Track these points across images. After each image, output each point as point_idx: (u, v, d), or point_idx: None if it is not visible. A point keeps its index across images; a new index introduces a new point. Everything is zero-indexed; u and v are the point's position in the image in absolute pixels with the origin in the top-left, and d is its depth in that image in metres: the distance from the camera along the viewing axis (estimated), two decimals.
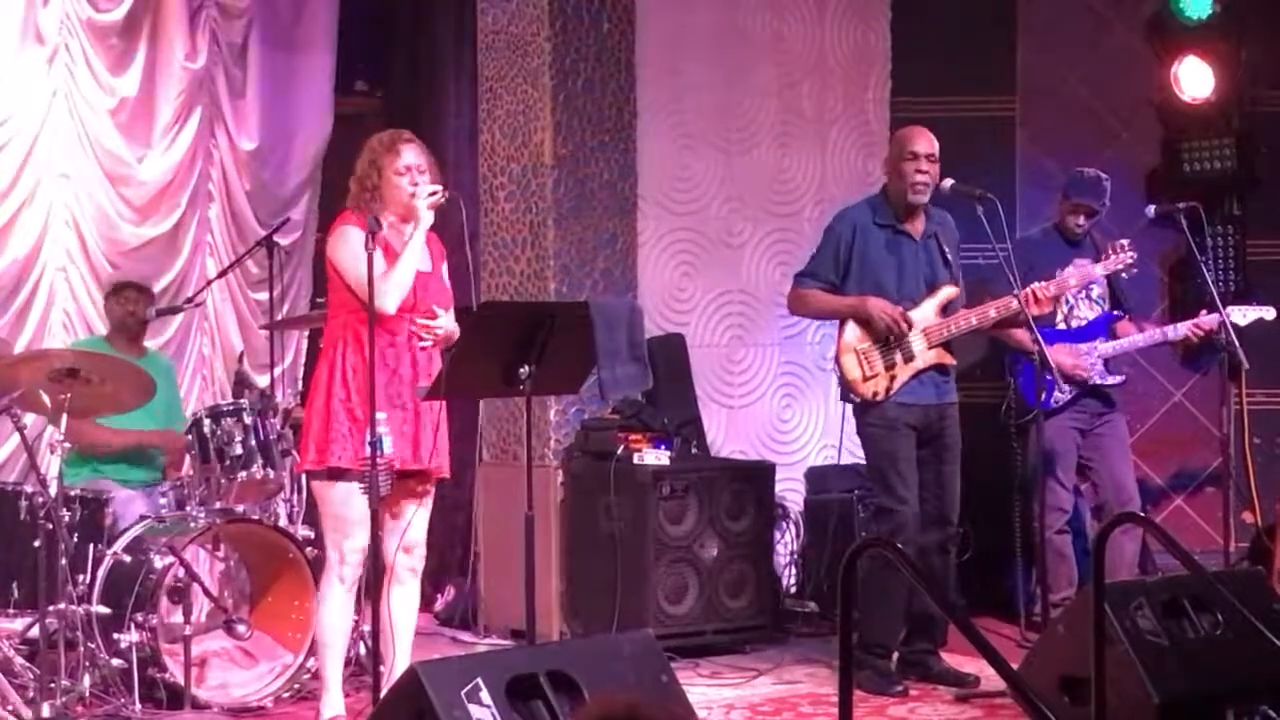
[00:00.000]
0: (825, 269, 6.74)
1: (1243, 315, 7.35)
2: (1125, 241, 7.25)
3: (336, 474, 5.67)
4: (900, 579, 6.49)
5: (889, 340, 6.60)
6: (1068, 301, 7.47)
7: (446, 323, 5.77)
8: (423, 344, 5.73)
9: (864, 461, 6.91)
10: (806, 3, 8.40)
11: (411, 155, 5.77)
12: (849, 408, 6.77)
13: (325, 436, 5.68)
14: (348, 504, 5.65)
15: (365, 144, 5.90)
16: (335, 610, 5.79)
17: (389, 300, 5.57)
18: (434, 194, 5.67)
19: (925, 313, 6.68)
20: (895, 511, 6.56)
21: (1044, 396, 7.13)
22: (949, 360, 6.73)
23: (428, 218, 5.67)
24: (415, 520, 5.85)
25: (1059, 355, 7.18)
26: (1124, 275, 7.32)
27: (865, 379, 6.63)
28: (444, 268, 5.94)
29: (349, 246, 5.68)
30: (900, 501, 6.57)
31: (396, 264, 5.63)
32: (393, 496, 5.78)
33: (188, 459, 6.66)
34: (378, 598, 5.58)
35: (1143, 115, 8.37)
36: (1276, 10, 8.15)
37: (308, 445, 5.76)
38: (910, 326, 6.60)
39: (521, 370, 5.36)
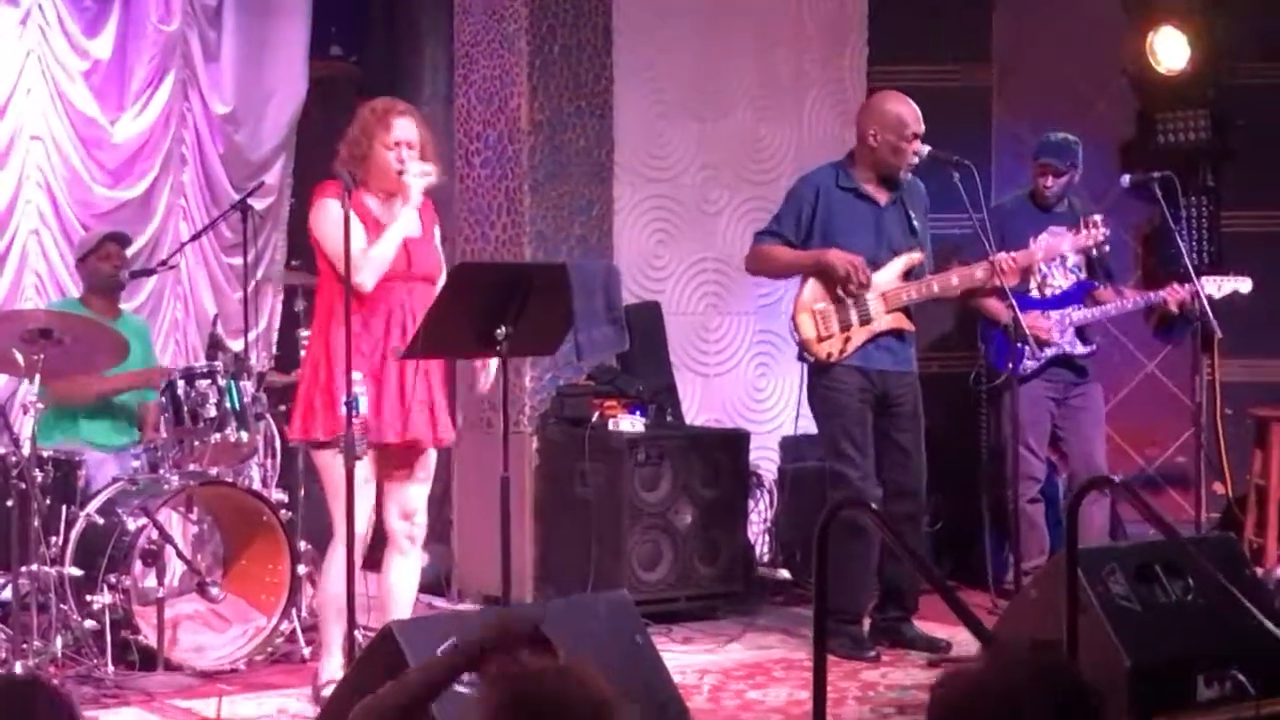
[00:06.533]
0: (786, 229, 6.75)
1: (1217, 287, 7.37)
2: (1099, 217, 7.26)
3: (322, 444, 5.68)
4: (870, 545, 6.52)
5: (845, 301, 6.60)
6: (1041, 270, 7.48)
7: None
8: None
9: None
10: None
11: (403, 130, 5.73)
12: (805, 375, 6.78)
13: (308, 409, 5.72)
14: (340, 470, 5.61)
15: (360, 108, 5.87)
16: (340, 577, 5.75)
17: (366, 276, 5.55)
18: (426, 173, 5.65)
19: (887, 277, 6.68)
20: (846, 475, 6.55)
21: (1013, 363, 7.13)
22: (907, 325, 6.73)
23: (418, 198, 5.64)
24: (412, 491, 5.83)
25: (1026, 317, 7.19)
26: (1094, 252, 7.34)
27: (820, 339, 6.64)
28: (436, 234, 5.93)
29: (329, 220, 5.68)
30: (851, 465, 6.56)
31: (378, 242, 5.60)
32: (388, 465, 5.78)
33: (161, 420, 6.62)
34: (351, 560, 5.55)
35: (1118, 86, 8.38)
36: None
37: (294, 417, 5.81)
38: (869, 278, 6.59)
39: (498, 331, 5.36)
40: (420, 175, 5.64)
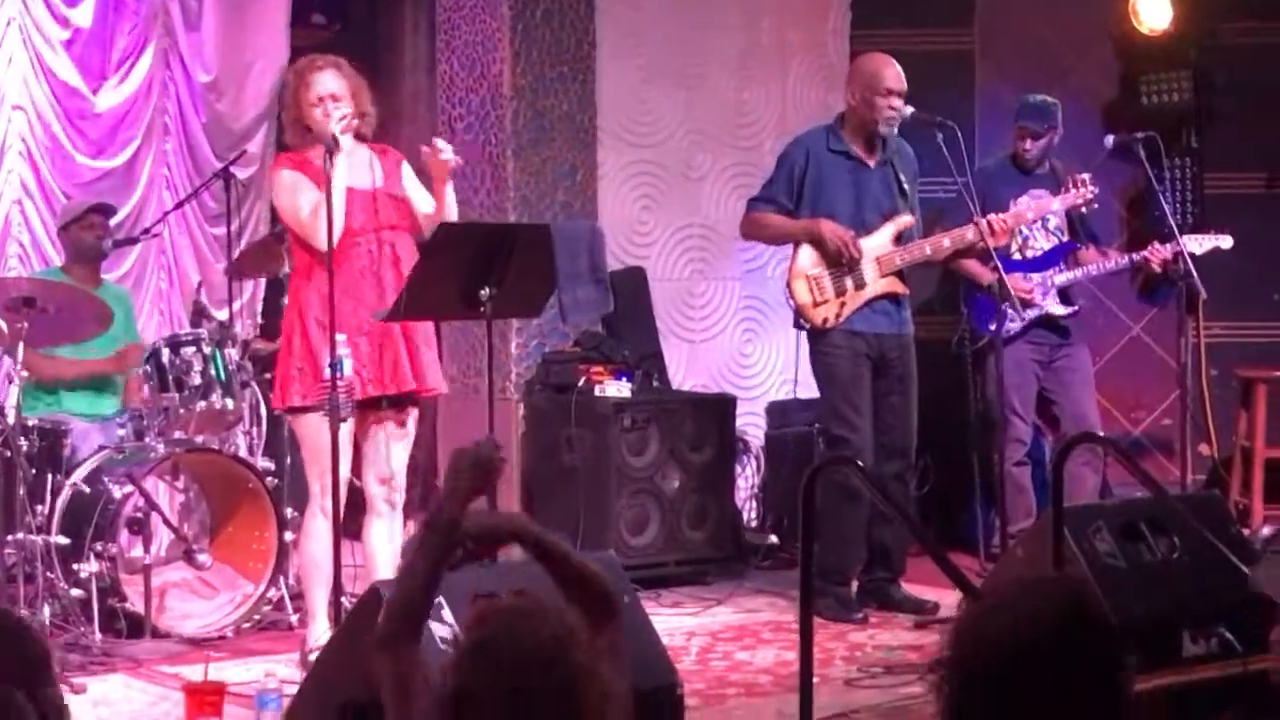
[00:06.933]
0: (779, 194, 6.75)
1: (1199, 244, 7.37)
2: (1086, 176, 7.26)
3: (302, 409, 5.66)
4: (859, 508, 6.53)
5: (841, 266, 6.60)
6: (1023, 232, 7.47)
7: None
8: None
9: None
10: None
11: (323, 84, 5.68)
12: (805, 341, 6.78)
13: (286, 375, 5.71)
14: (319, 434, 5.60)
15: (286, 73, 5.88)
16: (319, 542, 5.73)
17: (321, 238, 5.50)
18: (343, 117, 5.61)
19: (879, 241, 6.69)
20: (847, 440, 6.56)
21: (996, 325, 7.12)
22: (901, 289, 6.74)
23: (344, 142, 5.59)
24: (393, 451, 5.81)
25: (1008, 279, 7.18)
26: (1083, 210, 7.34)
27: (815, 304, 6.64)
28: (402, 177, 5.86)
29: (282, 190, 5.72)
30: (851, 429, 6.57)
31: (318, 201, 5.56)
32: (368, 426, 5.76)
33: (146, 388, 6.61)
34: (338, 523, 5.55)
35: (1101, 47, 8.37)
36: None
37: (275, 385, 5.81)
38: (860, 252, 6.60)
39: (482, 292, 5.34)
40: (338, 121, 5.60)
